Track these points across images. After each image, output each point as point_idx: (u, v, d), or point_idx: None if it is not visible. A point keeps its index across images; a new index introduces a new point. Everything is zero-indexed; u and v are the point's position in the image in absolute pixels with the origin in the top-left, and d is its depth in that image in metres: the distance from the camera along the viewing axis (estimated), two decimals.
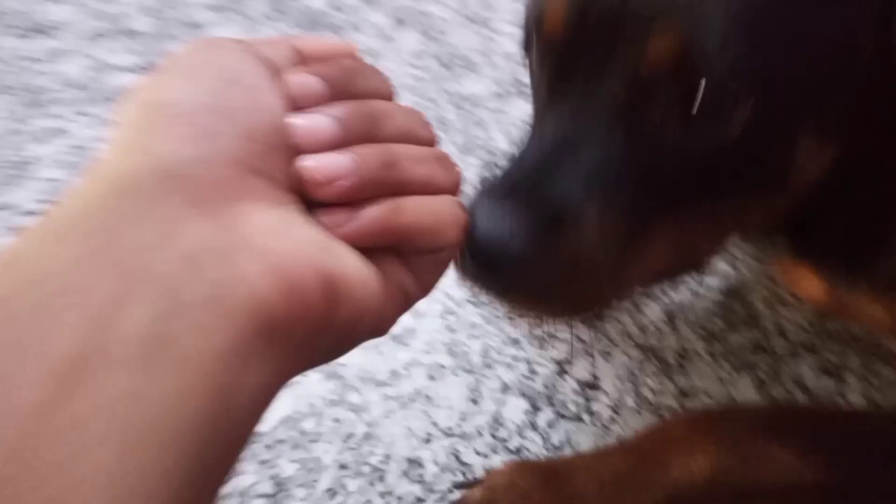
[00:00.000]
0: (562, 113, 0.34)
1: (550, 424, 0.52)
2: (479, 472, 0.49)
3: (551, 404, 0.53)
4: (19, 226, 0.61)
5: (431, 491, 0.49)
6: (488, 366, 0.55)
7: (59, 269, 0.19)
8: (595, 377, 0.54)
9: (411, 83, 0.76)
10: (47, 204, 0.62)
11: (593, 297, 0.36)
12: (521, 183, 0.34)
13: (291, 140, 0.25)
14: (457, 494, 0.48)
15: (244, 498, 0.48)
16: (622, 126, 0.33)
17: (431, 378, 0.54)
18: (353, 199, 0.25)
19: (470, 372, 0.54)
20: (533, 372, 0.54)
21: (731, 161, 0.34)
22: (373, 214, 0.26)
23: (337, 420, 0.51)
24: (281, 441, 0.50)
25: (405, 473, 0.49)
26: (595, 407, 0.53)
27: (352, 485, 0.49)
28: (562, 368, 0.55)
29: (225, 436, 0.20)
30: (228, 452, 0.21)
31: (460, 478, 0.49)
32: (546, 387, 0.54)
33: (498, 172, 0.35)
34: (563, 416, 0.52)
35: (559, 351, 0.56)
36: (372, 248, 0.26)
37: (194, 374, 0.19)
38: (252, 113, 0.25)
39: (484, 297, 0.36)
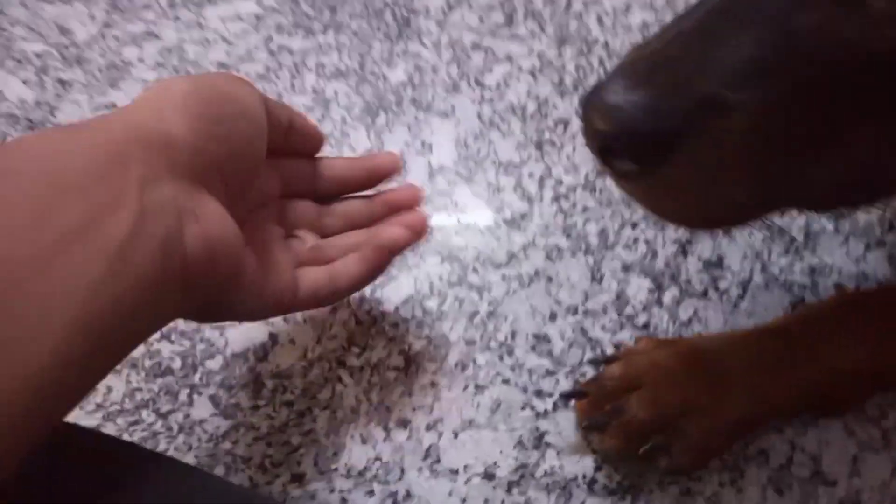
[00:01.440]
0: None
1: (676, 301, 0.51)
2: (609, 348, 0.49)
3: (675, 282, 0.52)
4: None
5: (561, 364, 0.48)
6: (607, 247, 0.53)
7: (74, 168, 0.27)
8: (719, 256, 0.53)
9: None
10: None
11: (743, 205, 0.31)
12: (666, 61, 0.29)
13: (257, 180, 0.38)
14: (587, 370, 0.48)
15: (378, 369, 0.48)
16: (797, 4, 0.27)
17: (550, 259, 0.53)
18: None
19: (588, 253, 0.53)
20: (653, 252, 0.53)
21: None
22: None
23: (459, 299, 0.51)
24: (406, 319, 0.50)
25: (533, 348, 0.49)
26: (722, 284, 0.51)
27: (480, 359, 0.48)
28: (683, 248, 0.53)
29: (132, 325, 0.29)
30: (128, 332, 0.29)
31: (589, 353, 0.48)
32: (668, 266, 0.52)
33: (640, 49, 0.31)
34: (688, 294, 0.51)
35: (679, 232, 0.54)
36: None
37: (140, 276, 0.28)
38: (244, 143, 0.35)
39: (613, 181, 0.32)
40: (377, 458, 0.44)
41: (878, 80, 0.28)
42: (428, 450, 0.45)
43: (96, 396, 0.46)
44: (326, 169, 0.45)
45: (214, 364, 0.48)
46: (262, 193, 0.41)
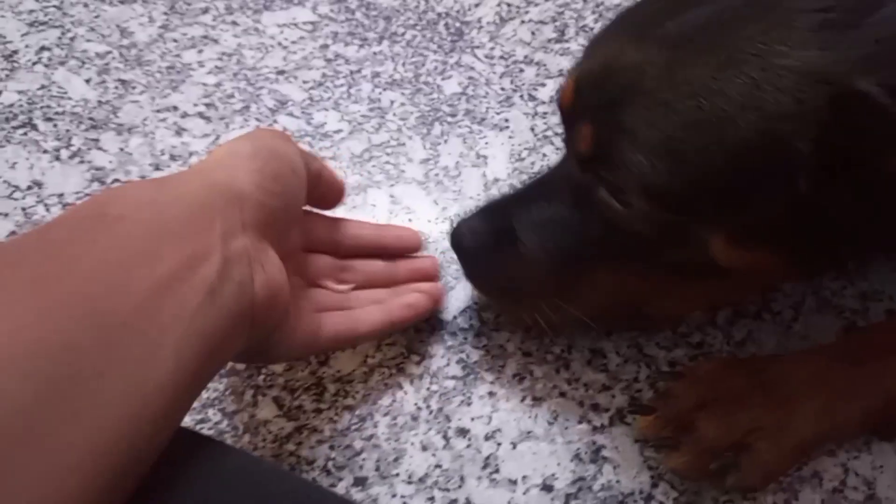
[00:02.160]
0: (554, 167, 0.46)
1: (730, 322, 0.52)
2: (663, 365, 0.49)
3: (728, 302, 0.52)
4: (183, 127, 0.62)
5: (617, 379, 0.49)
6: None
7: (169, 218, 0.32)
8: None
9: None
10: (205, 106, 0.64)
11: (531, 304, 0.45)
12: (498, 208, 0.46)
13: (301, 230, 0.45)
14: (643, 386, 0.48)
15: (436, 378, 0.49)
16: (570, 189, 0.42)
17: None
18: None
19: None
20: None
21: (644, 247, 0.40)
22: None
23: None
24: (464, 329, 0.51)
25: (589, 363, 0.50)
26: (775, 307, 0.52)
27: (538, 371, 0.49)
28: None
29: (215, 358, 0.33)
30: (214, 363, 0.34)
31: (644, 369, 0.49)
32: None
33: (500, 198, 0.48)
34: (742, 315, 0.52)
35: None
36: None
37: (225, 315, 0.32)
38: (293, 197, 0.40)
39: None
40: (437, 466, 0.45)
41: (598, 242, 0.42)
42: (487, 459, 0.46)
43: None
44: (350, 229, 0.48)
45: (277, 367, 0.49)
46: (289, 245, 0.42)
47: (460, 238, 0.46)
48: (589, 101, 0.39)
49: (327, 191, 0.46)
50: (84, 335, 0.26)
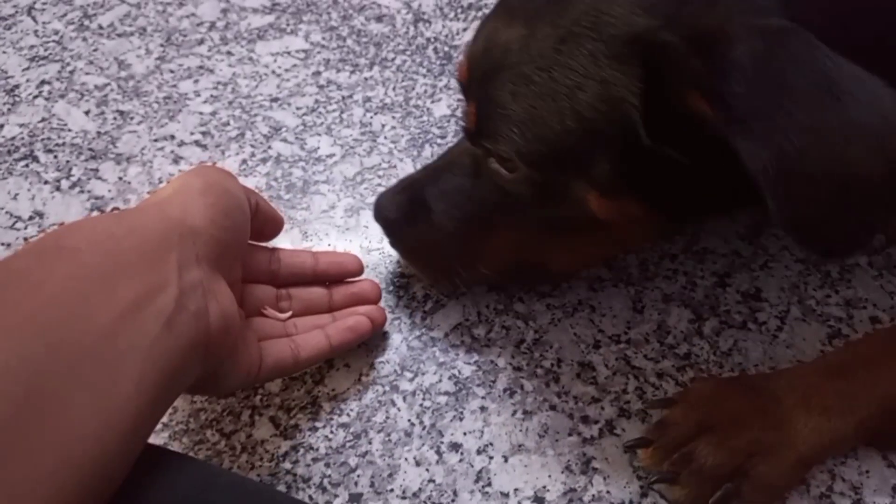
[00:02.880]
0: (458, 141, 0.51)
1: (716, 332, 0.53)
2: (651, 376, 0.50)
3: (715, 313, 0.53)
4: (180, 155, 0.64)
5: (606, 392, 0.50)
6: (647, 278, 0.55)
7: (126, 250, 0.33)
8: (757, 288, 0.54)
9: None
10: (201, 135, 0.65)
11: (446, 265, 0.50)
12: (413, 181, 0.51)
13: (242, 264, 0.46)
14: (632, 398, 0.49)
15: (428, 394, 0.50)
16: (468, 161, 0.47)
17: (592, 289, 0.55)
18: None
19: (630, 283, 0.55)
20: (693, 283, 0.55)
21: (531, 208, 0.45)
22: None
23: (506, 327, 0.53)
24: (455, 346, 0.52)
25: (578, 376, 0.51)
26: (760, 316, 0.53)
27: (528, 385, 0.50)
28: (722, 280, 0.55)
29: (173, 386, 0.34)
30: (172, 390, 0.34)
31: (633, 381, 0.50)
32: (707, 297, 0.54)
33: (415, 172, 0.53)
34: (728, 325, 0.53)
35: (718, 265, 0.56)
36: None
37: (182, 345, 0.34)
38: (241, 233, 0.43)
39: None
40: (431, 480, 0.46)
41: (496, 207, 0.47)
42: (479, 473, 0.47)
43: (163, 416, 0.49)
44: (286, 258, 0.50)
45: (274, 386, 0.50)
46: (233, 276, 0.44)
47: (380, 209, 0.51)
48: (474, 78, 0.44)
49: (265, 224, 0.47)
50: (47, 359, 0.28)
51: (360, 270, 0.52)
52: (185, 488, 0.33)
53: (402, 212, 0.50)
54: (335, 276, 0.51)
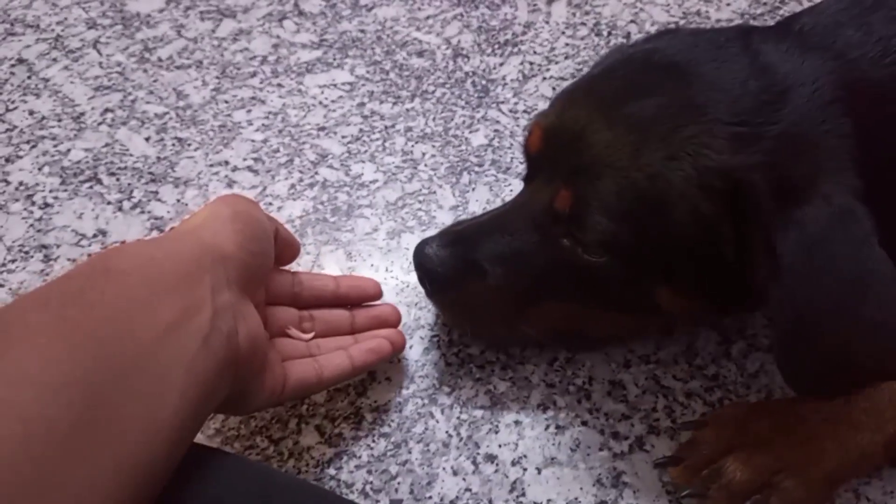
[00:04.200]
0: (514, 202, 0.51)
1: (744, 354, 0.54)
2: (680, 396, 0.52)
3: (742, 336, 0.55)
4: (234, 180, 0.68)
5: (636, 409, 0.52)
6: None
7: (165, 272, 0.36)
8: None
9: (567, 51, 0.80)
10: (253, 161, 0.69)
11: (488, 325, 0.53)
12: (463, 237, 0.51)
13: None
14: (661, 416, 0.51)
15: (465, 408, 0.52)
16: (537, 232, 0.48)
17: None
18: None
19: None
20: None
21: (602, 289, 0.47)
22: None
23: (539, 345, 0.55)
24: (491, 362, 0.55)
25: (609, 394, 0.53)
26: None
27: (561, 401, 0.53)
28: None
29: (209, 401, 0.37)
30: (207, 405, 0.37)
31: (662, 399, 0.52)
32: (735, 320, 0.56)
33: (458, 224, 0.54)
34: (755, 348, 0.55)
35: None
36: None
37: (217, 362, 0.36)
38: (267, 257, 0.45)
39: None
40: (467, 489, 0.49)
41: (558, 279, 0.48)
42: (514, 483, 0.49)
43: (215, 422, 0.52)
44: (307, 281, 0.52)
45: (319, 397, 0.53)
46: (257, 299, 0.46)
47: (424, 260, 0.51)
48: (559, 159, 0.47)
49: (284, 249, 0.50)
50: (101, 372, 0.30)
51: (378, 294, 0.55)
52: (247, 485, 0.35)
53: (450, 268, 0.50)
54: (355, 299, 0.54)
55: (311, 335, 0.51)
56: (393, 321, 0.54)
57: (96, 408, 0.29)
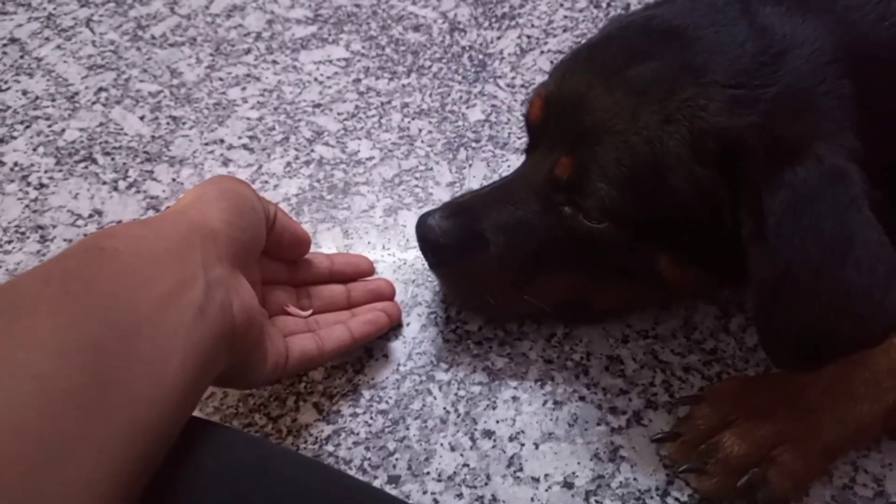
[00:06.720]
0: (516, 173, 0.52)
1: (742, 328, 0.54)
2: (678, 370, 0.52)
3: (741, 310, 0.55)
4: (229, 158, 0.68)
5: (633, 384, 0.52)
6: None
7: (158, 250, 0.37)
8: None
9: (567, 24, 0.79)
10: (248, 139, 0.69)
11: (491, 297, 0.51)
12: (465, 207, 0.51)
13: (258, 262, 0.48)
14: (658, 390, 0.51)
15: (463, 384, 0.52)
16: (539, 200, 0.48)
17: None
18: None
19: None
20: None
21: (603, 256, 0.47)
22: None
23: (537, 321, 0.55)
24: (488, 338, 0.55)
25: (606, 368, 0.53)
26: None
27: (558, 376, 0.53)
28: None
29: (207, 371, 0.37)
30: (206, 376, 0.37)
31: (659, 374, 0.52)
32: (734, 294, 0.56)
33: (460, 197, 0.53)
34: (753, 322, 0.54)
35: None
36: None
37: (213, 332, 0.37)
38: (257, 232, 0.45)
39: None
40: (465, 465, 0.49)
41: (560, 248, 0.48)
42: (511, 458, 0.49)
43: (214, 400, 0.52)
44: (303, 261, 0.53)
45: (317, 375, 0.53)
46: (252, 277, 0.46)
47: (426, 232, 0.51)
48: (560, 127, 0.46)
49: (295, 246, 0.51)
50: (108, 339, 0.31)
51: (371, 270, 0.56)
52: (246, 455, 0.36)
53: (453, 239, 0.50)
54: (350, 275, 0.55)
55: (309, 312, 0.51)
56: (388, 294, 0.55)
57: (108, 369, 0.30)
